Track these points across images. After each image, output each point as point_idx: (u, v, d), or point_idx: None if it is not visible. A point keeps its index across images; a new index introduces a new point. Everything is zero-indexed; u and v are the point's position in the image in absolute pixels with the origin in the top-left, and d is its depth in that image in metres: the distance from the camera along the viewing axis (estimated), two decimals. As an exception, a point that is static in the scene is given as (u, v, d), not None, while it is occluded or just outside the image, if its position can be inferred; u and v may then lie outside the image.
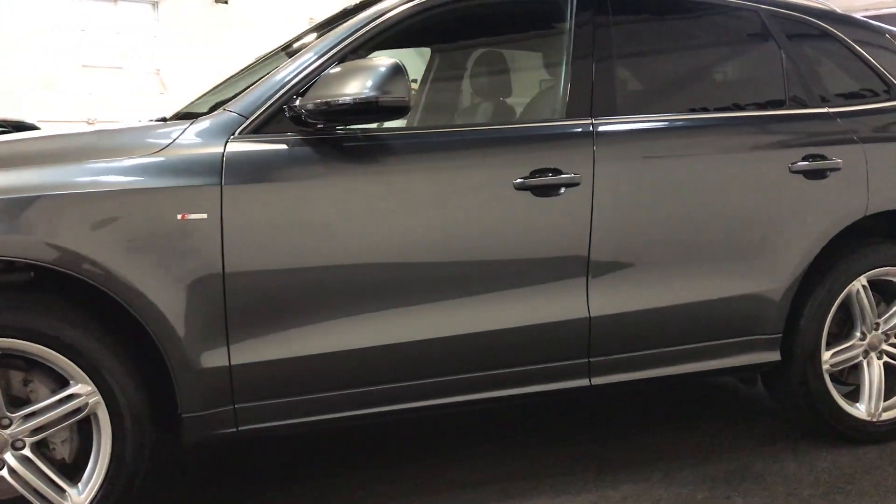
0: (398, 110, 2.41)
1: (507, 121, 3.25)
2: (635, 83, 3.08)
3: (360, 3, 2.87)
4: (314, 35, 2.90)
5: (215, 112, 2.48)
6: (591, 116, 2.76)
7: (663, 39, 3.12)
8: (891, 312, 3.19)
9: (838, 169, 3.03)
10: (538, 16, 3.05)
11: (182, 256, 2.29)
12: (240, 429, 2.42)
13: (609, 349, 2.78)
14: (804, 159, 2.98)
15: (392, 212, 2.51)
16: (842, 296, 3.08)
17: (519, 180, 2.61)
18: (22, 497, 2.22)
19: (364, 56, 2.60)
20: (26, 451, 2.23)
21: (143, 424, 2.32)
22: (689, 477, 2.91)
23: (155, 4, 14.76)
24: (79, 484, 2.29)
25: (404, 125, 3.23)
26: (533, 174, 2.62)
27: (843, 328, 3.19)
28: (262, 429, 2.46)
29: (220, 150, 2.35)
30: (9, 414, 2.21)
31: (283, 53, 3.01)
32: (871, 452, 3.10)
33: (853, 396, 3.19)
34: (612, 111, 2.81)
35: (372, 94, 2.34)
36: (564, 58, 2.83)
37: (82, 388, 2.24)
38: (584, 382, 2.78)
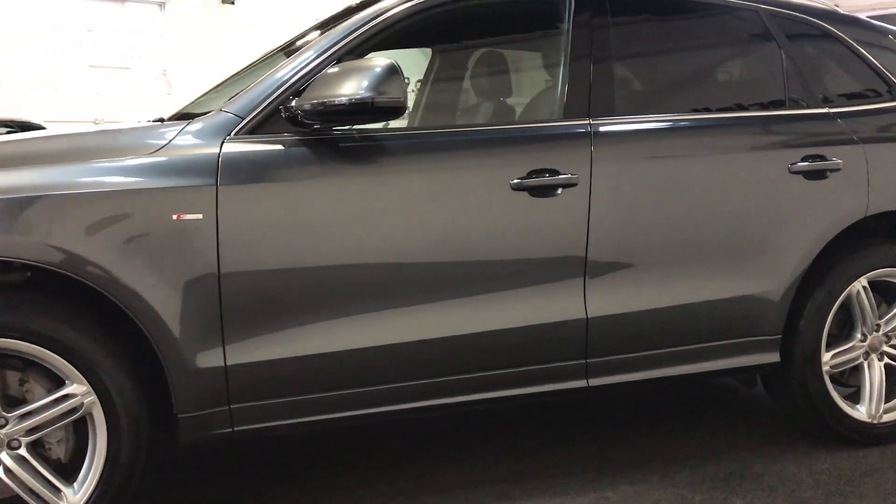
0: (394, 111, 2.41)
1: (504, 121, 3.25)
2: (633, 83, 3.07)
3: (362, 2, 2.87)
4: (313, 35, 2.90)
5: (211, 112, 2.48)
6: (589, 117, 2.76)
7: (662, 40, 3.10)
8: (892, 314, 3.18)
9: (838, 169, 3.01)
10: (536, 16, 3.04)
11: (177, 257, 2.29)
12: (236, 429, 2.43)
13: (607, 350, 2.77)
14: (804, 160, 2.97)
15: (388, 212, 2.50)
16: (842, 297, 3.07)
17: (516, 181, 2.60)
18: (18, 497, 2.23)
19: (361, 57, 2.59)
20: (22, 451, 2.24)
21: (138, 424, 2.32)
22: (688, 478, 2.90)
23: (162, 5, 14.80)
24: (74, 483, 2.29)
25: (404, 125, 3.23)
26: (530, 174, 2.62)
27: (844, 329, 3.18)
28: (258, 429, 2.46)
29: (216, 150, 2.36)
30: (4, 413, 2.22)
31: (282, 53, 3.01)
32: (871, 454, 3.08)
33: (854, 398, 3.17)
34: (610, 111, 2.81)
35: (368, 94, 2.35)
36: (562, 58, 2.82)
37: (78, 388, 2.24)
38: (581, 383, 2.77)
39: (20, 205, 2.17)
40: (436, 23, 2.83)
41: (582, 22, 2.84)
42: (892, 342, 3.18)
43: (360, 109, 2.36)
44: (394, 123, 2.95)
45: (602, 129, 2.76)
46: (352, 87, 2.35)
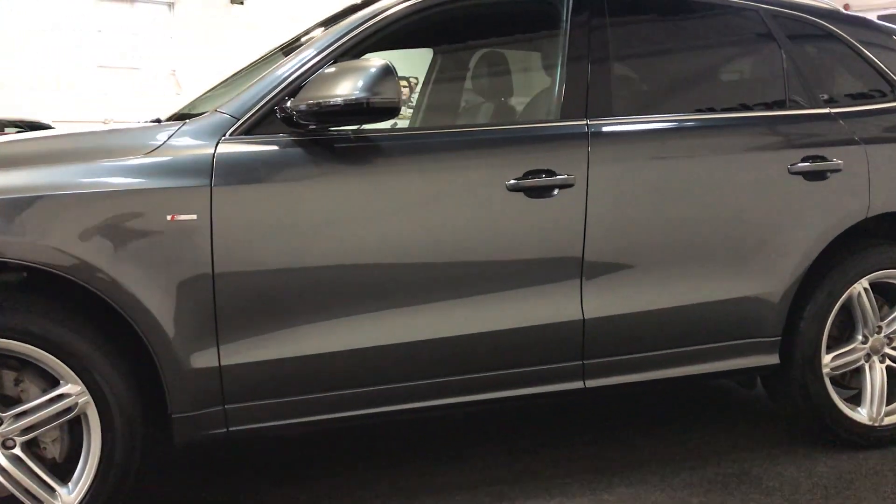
0: (388, 112, 2.40)
1: (500, 122, 3.24)
2: (632, 84, 3.06)
3: (363, 1, 2.86)
4: (312, 34, 2.90)
5: (207, 113, 2.49)
6: (587, 117, 2.75)
7: (660, 40, 3.09)
8: (893, 316, 3.16)
9: (839, 170, 2.99)
10: (534, 16, 3.03)
11: (172, 257, 2.29)
12: (231, 429, 2.43)
13: (604, 351, 2.77)
14: (804, 160, 2.95)
15: (383, 213, 2.50)
16: (842, 298, 3.05)
17: (512, 181, 2.60)
18: (12, 496, 2.24)
19: (358, 57, 2.59)
20: (17, 451, 2.24)
21: (133, 424, 2.33)
22: (686, 480, 2.89)
23: (171, 5, 14.87)
24: (69, 483, 2.30)
25: (404, 126, 3.23)
26: (526, 175, 2.61)
27: (845, 331, 3.16)
28: (253, 429, 2.46)
29: (211, 151, 2.36)
30: (0, 413, 2.23)
31: (281, 53, 3.02)
32: (872, 457, 3.06)
33: (856, 400, 3.15)
34: (607, 112, 2.79)
35: (362, 95, 2.35)
36: (560, 59, 2.81)
37: (72, 388, 2.25)
38: (578, 385, 2.76)
39: (14, 205, 2.18)
40: (432, 23, 2.83)
41: (580, 22, 2.83)
42: (893, 344, 3.16)
43: (354, 110, 2.37)
44: (388, 124, 2.94)
45: (599, 129, 2.75)
46: (347, 87, 2.35)
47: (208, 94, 3.17)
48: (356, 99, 2.35)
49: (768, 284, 2.91)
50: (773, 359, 2.99)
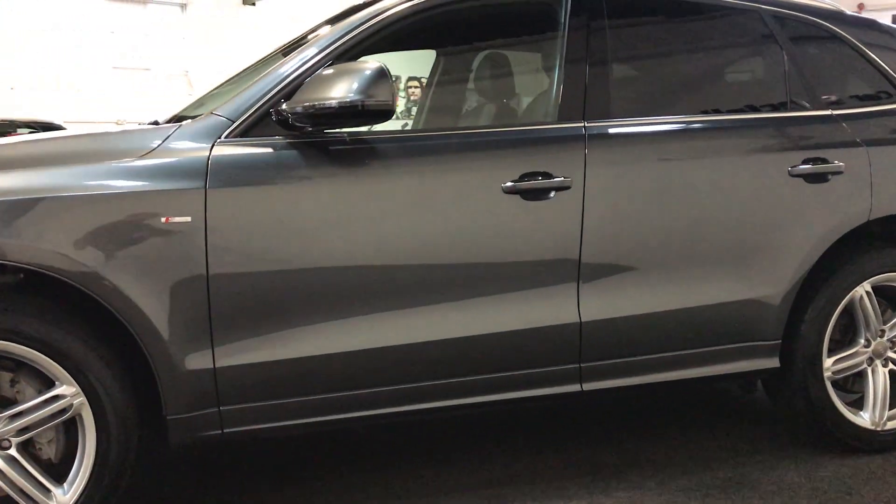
0: (382, 114, 2.41)
1: (497, 123, 3.23)
2: (630, 86, 3.04)
3: (365, 2, 2.86)
4: (312, 35, 2.90)
5: (203, 115, 2.49)
6: (584, 119, 2.74)
7: (660, 42, 3.07)
8: (896, 319, 3.13)
9: (840, 172, 2.97)
10: (532, 18, 3.02)
11: (166, 259, 2.30)
12: (225, 431, 2.43)
13: (601, 354, 2.75)
14: (804, 163, 2.93)
15: (378, 215, 2.50)
16: (844, 302, 3.02)
17: (508, 184, 2.59)
18: (8, 497, 2.25)
19: (355, 59, 2.59)
20: (12, 451, 2.26)
21: (127, 425, 2.34)
22: (684, 485, 2.87)
23: (183, 6, 14.94)
24: (64, 484, 2.31)
25: (400, 128, 3.23)
26: (522, 177, 2.61)
27: (848, 335, 3.13)
28: (247, 431, 2.47)
29: (206, 153, 2.37)
30: (-5, 414, 2.25)
31: (281, 55, 3.02)
32: (874, 462, 3.03)
33: (859, 405, 3.12)
34: (605, 114, 2.78)
35: (357, 97, 2.35)
36: (558, 60, 2.80)
37: (67, 390, 2.26)
38: (575, 388, 2.75)
39: (10, 208, 2.19)
40: (431, 25, 2.83)
41: (578, 24, 2.82)
42: (896, 348, 3.13)
43: (349, 112, 2.37)
44: (393, 125, 2.94)
45: (597, 131, 2.74)
46: (341, 90, 2.36)
47: (210, 95, 3.18)
48: (350, 101, 2.35)
49: (768, 287, 2.89)
50: (774, 362, 2.97)
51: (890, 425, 3.10)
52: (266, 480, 2.99)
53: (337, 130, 2.50)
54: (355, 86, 2.36)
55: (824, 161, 2.95)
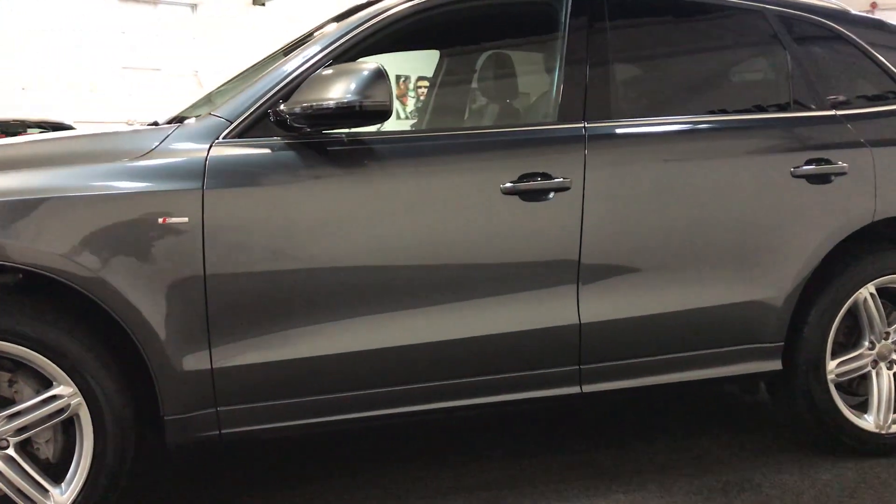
0: (380, 115, 2.40)
1: (496, 124, 3.22)
2: (631, 86, 3.03)
3: (366, 1, 2.85)
4: (314, 34, 2.89)
5: (201, 116, 2.50)
6: (584, 120, 2.72)
7: (661, 42, 3.06)
8: (901, 321, 3.10)
9: (844, 173, 2.94)
10: (533, 18, 3.01)
11: (163, 260, 2.30)
12: (223, 431, 2.43)
13: (601, 356, 2.74)
14: (807, 163, 2.90)
15: (376, 216, 2.50)
16: (848, 303, 3.00)
17: (507, 185, 2.58)
18: (6, 496, 2.26)
19: (354, 59, 2.59)
20: (10, 451, 2.26)
21: (124, 426, 2.34)
22: (685, 488, 2.85)
23: (194, 7, 14.99)
24: (62, 484, 2.31)
25: (398, 129, 3.22)
26: (521, 178, 2.59)
27: (852, 337, 3.10)
28: (245, 432, 2.46)
29: (204, 154, 2.37)
30: (-7, 414, 2.25)
31: (282, 54, 3.01)
32: (877, 466, 3.01)
33: (863, 408, 3.09)
34: (606, 115, 2.77)
35: (354, 98, 2.35)
36: (558, 61, 2.79)
37: (64, 390, 2.27)
38: (574, 390, 2.74)
39: (7, 208, 2.20)
40: (431, 25, 2.83)
41: (579, 24, 2.80)
42: (901, 350, 3.10)
43: (346, 113, 2.37)
44: (394, 125, 2.94)
45: (597, 132, 2.72)
46: (338, 91, 2.35)
47: (210, 95, 3.18)
48: (348, 102, 2.35)
49: (770, 289, 2.87)
50: (776, 365, 2.94)
51: (894, 428, 3.07)
52: (265, 481, 2.99)
53: (335, 131, 2.49)
54: (353, 86, 2.35)
55: (827, 162, 2.93)
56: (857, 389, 3.15)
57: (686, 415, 3.63)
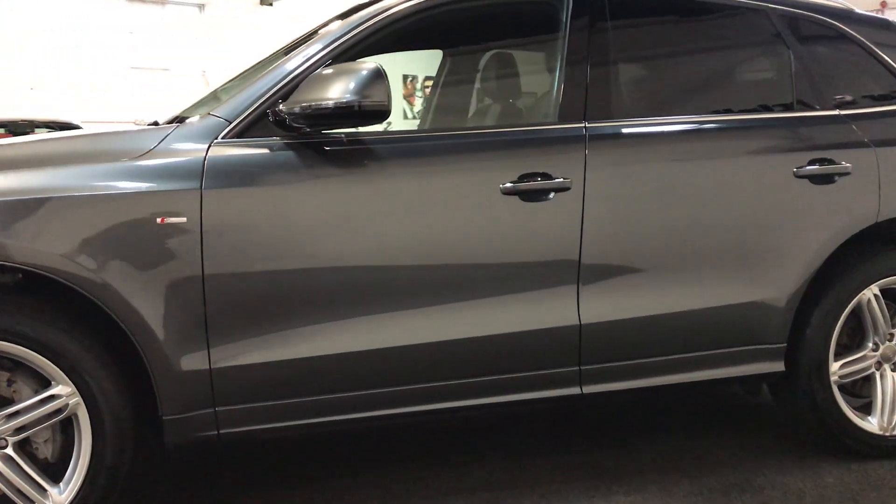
0: (378, 115, 2.39)
1: (496, 124, 3.21)
2: (632, 86, 3.01)
3: (366, 1, 2.85)
4: (313, 35, 2.89)
5: (200, 116, 2.49)
6: (585, 120, 2.71)
7: (662, 42, 3.04)
8: (905, 323, 3.07)
9: (847, 173, 2.92)
10: (533, 18, 3.00)
11: (161, 260, 2.30)
12: (221, 431, 2.43)
13: (601, 357, 2.73)
14: (810, 163, 2.89)
15: (375, 217, 2.49)
16: (851, 305, 2.98)
17: (507, 185, 2.57)
18: (4, 496, 2.26)
19: (354, 59, 2.58)
20: (9, 450, 2.26)
21: (122, 426, 2.34)
22: (686, 489, 2.84)
23: (201, 7, 15.03)
24: (60, 483, 2.32)
25: (398, 129, 3.22)
26: (521, 178, 2.58)
27: (856, 338, 3.08)
28: (244, 432, 2.46)
29: (202, 154, 2.37)
30: (-8, 413, 2.26)
31: (283, 54, 3.01)
32: (881, 468, 2.98)
33: (867, 409, 3.07)
34: (607, 115, 2.75)
35: (352, 98, 2.34)
36: (559, 60, 2.78)
37: (63, 390, 2.27)
38: (574, 391, 2.73)
39: (6, 208, 2.20)
40: (431, 25, 2.81)
41: (580, 24, 2.79)
42: (905, 352, 3.08)
43: (344, 113, 2.36)
44: (401, 125, 2.93)
45: (598, 132, 2.71)
46: (337, 91, 2.35)
47: (211, 95, 3.18)
48: (346, 102, 2.34)
49: (772, 290, 2.85)
50: (778, 366, 2.93)
51: (898, 430, 3.05)
52: (265, 481, 2.99)
53: (334, 131, 2.49)
54: (351, 86, 2.35)
55: (831, 162, 2.91)
56: (860, 391, 3.13)
57: (688, 416, 3.61)
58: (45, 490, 2.29)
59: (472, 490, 2.86)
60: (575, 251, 2.65)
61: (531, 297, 2.63)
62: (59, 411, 2.28)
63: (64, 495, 2.31)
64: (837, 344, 3.00)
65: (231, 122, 2.43)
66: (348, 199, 2.47)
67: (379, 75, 2.36)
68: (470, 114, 3.49)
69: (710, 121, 2.91)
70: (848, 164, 2.92)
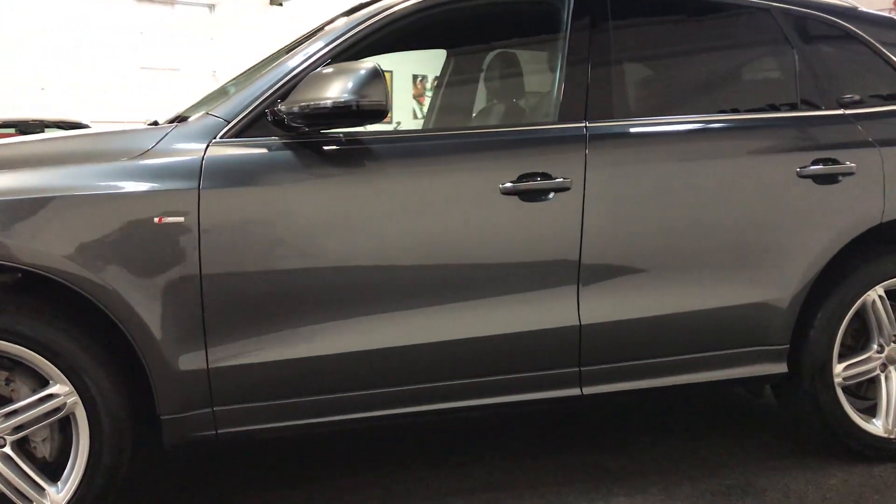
0: (376, 114, 2.39)
1: (496, 124, 3.20)
2: (634, 86, 2.99)
3: (364, 2, 2.84)
4: (317, 34, 2.88)
5: (200, 116, 2.49)
6: (585, 120, 2.70)
7: (664, 41, 3.02)
8: (911, 324, 3.04)
9: (852, 174, 2.90)
10: (534, 18, 2.98)
11: (159, 259, 2.30)
12: (219, 431, 2.43)
13: (601, 358, 2.71)
14: (814, 163, 2.86)
15: (374, 216, 2.48)
16: (856, 306, 2.96)
17: (507, 185, 2.56)
18: (2, 494, 2.27)
19: (355, 58, 2.57)
20: (7, 449, 2.27)
21: (120, 425, 2.34)
22: (688, 491, 2.82)
23: (211, 7, 15.07)
24: (59, 482, 2.32)
25: (401, 129, 3.21)
26: (521, 178, 2.57)
27: (860, 340, 3.06)
28: (242, 432, 2.46)
29: (200, 154, 2.36)
30: (-10, 412, 2.26)
31: (285, 53, 3.01)
32: (885, 471, 2.96)
33: (872, 412, 3.05)
34: (607, 115, 2.74)
35: (350, 98, 2.34)
36: (560, 60, 2.77)
37: (60, 389, 2.27)
38: (574, 392, 2.72)
39: (4, 208, 2.20)
40: (431, 25, 2.81)
41: (581, 23, 2.77)
42: (911, 353, 3.05)
43: (343, 113, 2.36)
44: (410, 125, 2.92)
45: (598, 131, 2.69)
46: (335, 90, 2.34)
47: (212, 95, 3.18)
48: (344, 101, 2.34)
49: (775, 291, 2.83)
50: (781, 367, 2.90)
51: (903, 433, 3.02)
52: (264, 481, 2.99)
53: (333, 131, 2.48)
54: (350, 86, 2.34)
55: (835, 162, 2.89)
56: (865, 393, 3.11)
57: (689, 416, 3.59)
58: (42, 489, 2.29)
59: (472, 490, 2.85)
60: (575, 251, 2.63)
61: (531, 297, 2.62)
62: (56, 410, 2.28)
63: (62, 494, 2.31)
64: (842, 345, 2.98)
65: (229, 122, 2.43)
66: (347, 198, 2.46)
67: (377, 75, 2.35)
68: (471, 113, 3.48)
69: (713, 120, 2.89)
70: (852, 164, 2.90)
